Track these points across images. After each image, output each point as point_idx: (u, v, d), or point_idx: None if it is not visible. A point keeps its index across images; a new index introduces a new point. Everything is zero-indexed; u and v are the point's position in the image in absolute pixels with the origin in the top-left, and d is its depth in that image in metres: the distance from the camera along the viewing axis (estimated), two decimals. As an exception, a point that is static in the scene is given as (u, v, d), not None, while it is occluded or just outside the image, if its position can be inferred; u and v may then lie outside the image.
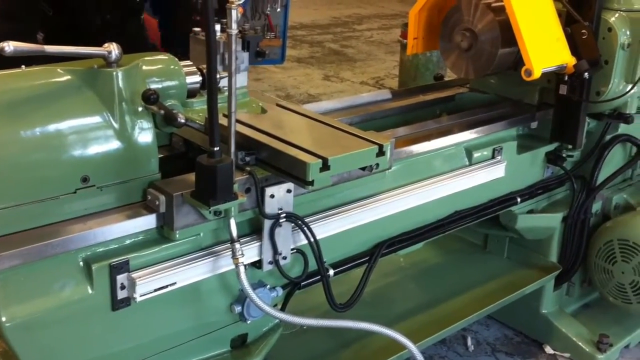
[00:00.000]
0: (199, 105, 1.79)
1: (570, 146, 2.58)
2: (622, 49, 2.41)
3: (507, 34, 2.32)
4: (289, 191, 1.72)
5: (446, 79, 3.06)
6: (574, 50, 2.40)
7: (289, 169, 1.63)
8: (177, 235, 1.58)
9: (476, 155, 2.36)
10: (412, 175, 2.19)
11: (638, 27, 2.40)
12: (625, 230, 2.66)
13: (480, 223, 2.52)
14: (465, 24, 2.48)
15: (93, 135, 1.52)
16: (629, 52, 2.42)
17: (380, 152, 1.73)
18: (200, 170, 1.50)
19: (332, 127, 1.85)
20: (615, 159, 2.74)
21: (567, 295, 2.87)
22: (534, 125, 2.60)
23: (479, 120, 2.49)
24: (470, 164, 2.35)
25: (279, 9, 4.19)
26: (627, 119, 2.56)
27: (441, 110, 2.74)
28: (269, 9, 4.18)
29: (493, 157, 2.40)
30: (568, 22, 2.44)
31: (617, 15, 2.42)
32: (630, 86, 2.47)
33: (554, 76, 2.46)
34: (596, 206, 2.76)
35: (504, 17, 2.32)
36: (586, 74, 2.39)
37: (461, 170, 2.31)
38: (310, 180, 1.58)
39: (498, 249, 2.85)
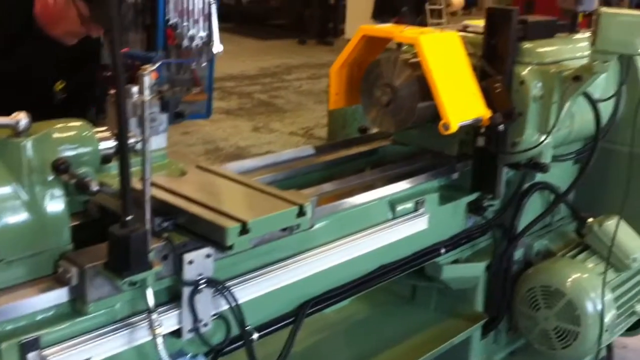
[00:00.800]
0: (116, 169, 1.75)
1: (490, 196, 2.64)
2: (534, 101, 2.50)
3: (425, 88, 2.38)
4: (208, 256, 1.69)
5: (373, 130, 3.10)
6: (489, 104, 2.47)
7: (207, 234, 1.60)
8: (91, 309, 1.52)
9: (399, 208, 2.38)
10: (336, 232, 2.18)
11: (549, 80, 2.49)
12: (546, 276, 2.72)
13: (407, 275, 2.53)
14: (384, 80, 2.53)
15: (0, 208, 1.46)
16: (541, 104, 2.51)
17: (301, 213, 1.72)
18: (113, 240, 1.46)
19: (252, 188, 1.84)
20: (534, 206, 2.81)
21: (495, 343, 2.90)
22: (455, 176, 2.65)
23: (402, 174, 2.52)
24: (394, 218, 2.37)
25: (204, 64, 4.21)
26: (543, 168, 2.64)
27: (365, 164, 2.76)
28: (194, 63, 4.18)
29: (416, 209, 2.43)
30: (483, 76, 2.52)
31: (528, 68, 2.51)
32: (544, 136, 2.55)
33: (472, 128, 2.52)
34: (518, 254, 2.81)
35: (422, 72, 2.38)
36: (501, 126, 2.46)
37: (385, 225, 2.33)
38: (229, 244, 1.55)
39: (426, 299, 2.87)
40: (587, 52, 2.67)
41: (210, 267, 1.70)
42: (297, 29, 13.10)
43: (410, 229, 2.40)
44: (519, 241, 2.77)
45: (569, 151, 2.85)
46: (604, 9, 2.34)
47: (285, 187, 2.28)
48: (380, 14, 11.83)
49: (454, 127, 2.33)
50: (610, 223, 2.80)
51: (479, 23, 2.94)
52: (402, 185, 2.44)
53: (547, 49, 2.59)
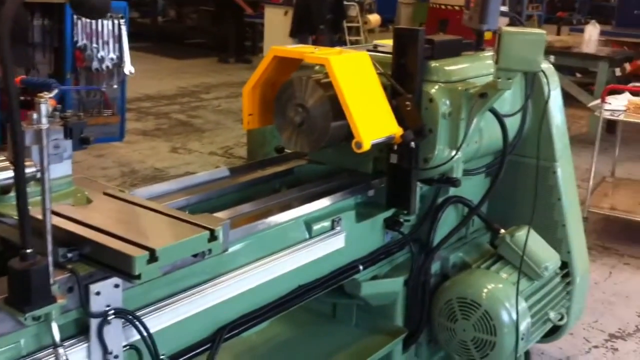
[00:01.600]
0: (16, 200, 1.68)
1: (405, 212, 2.68)
2: (443, 118, 2.56)
3: (337, 108, 2.39)
4: (116, 286, 1.64)
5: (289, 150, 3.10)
6: (401, 121, 2.51)
7: (114, 264, 1.56)
8: (-9, 346, 1.45)
9: (316, 227, 2.38)
10: (253, 254, 2.16)
11: (456, 97, 2.56)
12: (462, 288, 2.77)
13: (327, 293, 2.53)
14: (297, 100, 2.53)
15: None
16: (450, 121, 2.57)
17: (212, 237, 1.69)
18: (13, 274, 1.40)
19: (161, 213, 1.80)
20: (449, 220, 2.87)
21: (416, 357, 2.93)
22: (370, 193, 2.68)
23: (318, 193, 2.53)
24: (311, 237, 2.37)
25: (115, 85, 4.11)
26: (455, 183, 2.70)
27: (281, 185, 2.76)
28: (104, 85, 4.08)
29: (332, 228, 2.44)
30: (393, 95, 2.56)
31: (437, 86, 2.57)
32: (454, 152, 2.61)
33: (385, 146, 2.56)
34: (435, 267, 2.86)
35: (334, 92, 2.40)
36: (412, 143, 2.50)
37: (302, 244, 2.32)
38: (136, 274, 1.51)
39: (347, 317, 2.87)
40: (492, 70, 2.76)
41: (119, 298, 1.65)
42: (217, 47, 13.03)
43: (327, 248, 2.40)
44: (435, 254, 2.82)
45: (479, 165, 2.93)
46: (506, 28, 2.42)
47: (199, 211, 2.25)
48: (299, 31, 11.90)
49: (366, 146, 2.36)
50: (521, 233, 2.88)
51: (388, 42, 3.00)
52: (318, 205, 2.45)
53: (454, 67, 2.66)
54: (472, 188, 2.92)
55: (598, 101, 5.14)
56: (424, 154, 2.59)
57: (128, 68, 4.79)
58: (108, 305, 1.62)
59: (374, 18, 15.05)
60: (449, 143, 2.60)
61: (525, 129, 3.02)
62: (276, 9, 11.90)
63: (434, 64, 2.60)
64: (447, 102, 2.57)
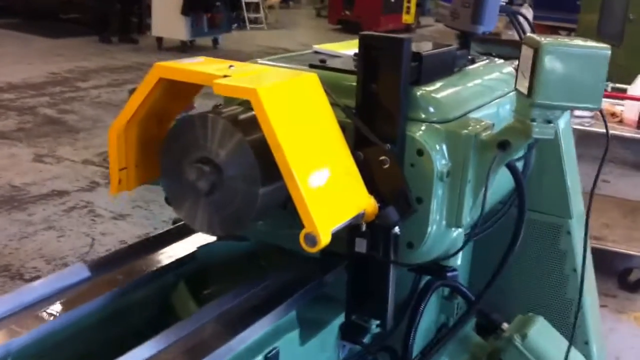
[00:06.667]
0: None
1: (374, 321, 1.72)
2: (440, 180, 1.58)
3: (269, 159, 1.38)
4: None
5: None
6: (371, 187, 1.54)
7: None
8: None
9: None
10: None
11: (461, 147, 1.59)
12: None
13: None
14: (200, 152, 1.50)
15: None
16: (450, 184, 1.61)
17: None
18: None
19: None
20: (431, 314, 1.93)
21: None
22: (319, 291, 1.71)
23: (238, 310, 1.52)
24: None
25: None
26: (450, 270, 1.76)
27: (175, 288, 1.73)
28: None
29: (266, 372, 1.45)
30: (359, 143, 1.57)
31: (428, 129, 1.59)
32: (455, 231, 1.66)
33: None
34: (413, 389, 1.91)
35: (261, 134, 1.39)
36: (396, 228, 1.53)
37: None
38: None
39: None
40: (507, 90, 1.85)
41: None
42: (98, 24, 11.50)
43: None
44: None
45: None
46: (545, 41, 1.46)
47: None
48: (192, 8, 10.64)
49: (324, 240, 1.36)
50: (534, 331, 1.98)
51: (335, 48, 2.00)
52: (243, 337, 1.44)
53: (452, 96, 1.69)
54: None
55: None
56: (408, 236, 1.62)
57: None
58: None
59: (274, -6, 13.97)
60: (447, 217, 1.63)
61: (529, 172, 2.11)
62: (166, -19, 10.58)
63: (421, 91, 1.63)
64: (446, 154, 1.60)
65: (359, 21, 14.37)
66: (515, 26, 2.06)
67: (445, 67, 1.77)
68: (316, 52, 2.00)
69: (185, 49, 11.11)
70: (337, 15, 15.19)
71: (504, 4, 2.06)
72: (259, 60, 1.86)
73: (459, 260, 1.75)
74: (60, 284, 1.57)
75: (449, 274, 1.74)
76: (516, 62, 2.23)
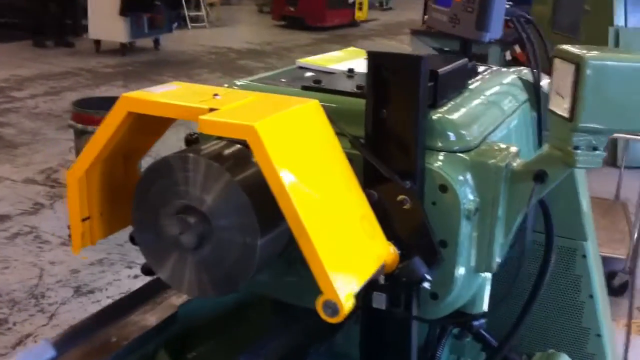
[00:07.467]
0: None
1: (391, 381, 1.48)
2: (467, 219, 1.35)
3: (265, 202, 1.14)
4: None
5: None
6: (388, 230, 1.30)
7: None
8: None
9: None
10: None
11: (489, 179, 1.36)
12: None
13: None
14: (182, 200, 1.23)
15: None
16: (479, 223, 1.38)
17: None
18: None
19: None
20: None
21: None
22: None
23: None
24: None
25: None
26: (476, 317, 1.53)
27: (156, 352, 1.45)
28: None
29: None
30: (371, 180, 1.33)
31: (451, 161, 1.36)
32: (482, 276, 1.43)
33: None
34: None
35: (256, 173, 1.15)
36: (426, 283, 1.29)
37: None
38: None
39: None
40: (515, 105, 1.65)
41: None
42: (31, 27, 10.91)
43: None
44: None
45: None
46: (590, 54, 1.24)
47: None
48: (130, 9, 10.18)
49: (347, 308, 1.12)
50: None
51: (327, 63, 1.76)
52: None
53: (470, 117, 1.46)
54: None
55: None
56: (431, 286, 1.38)
57: None
58: None
59: (216, -9, 13.62)
60: (476, 261, 1.40)
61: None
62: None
63: (438, 115, 1.39)
64: (474, 188, 1.37)
65: (304, 17, 14.14)
66: (520, 32, 1.84)
67: (457, 84, 1.54)
68: (301, 68, 1.75)
69: (125, 51, 10.65)
70: (280, 11, 14.90)
71: (509, 6, 1.83)
72: (237, 82, 1.60)
73: (485, 306, 1.52)
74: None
75: (475, 324, 1.50)
76: (512, 69, 2.05)
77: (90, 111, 4.56)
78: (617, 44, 5.91)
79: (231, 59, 11.21)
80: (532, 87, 1.85)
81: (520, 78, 1.90)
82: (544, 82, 1.85)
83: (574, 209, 1.93)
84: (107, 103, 4.96)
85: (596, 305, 2.01)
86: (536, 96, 1.83)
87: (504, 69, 1.96)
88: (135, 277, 3.97)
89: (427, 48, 6.61)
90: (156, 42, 11.42)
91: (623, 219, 4.45)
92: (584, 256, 1.97)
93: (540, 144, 1.86)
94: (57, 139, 6.02)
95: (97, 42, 10.68)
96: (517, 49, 6.51)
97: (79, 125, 4.60)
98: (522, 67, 2.06)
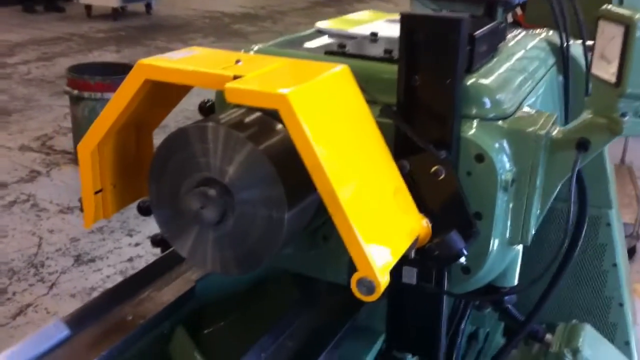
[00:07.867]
0: None
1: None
2: (503, 190, 1.28)
3: (290, 172, 1.09)
4: None
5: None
6: (420, 202, 1.23)
7: None
8: None
9: None
10: None
11: (527, 148, 1.29)
12: None
13: None
14: (202, 172, 1.16)
15: None
16: (515, 194, 1.31)
17: None
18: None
19: None
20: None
21: None
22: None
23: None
24: None
25: None
26: (511, 293, 1.48)
27: (173, 330, 1.39)
28: None
29: None
30: (401, 149, 1.26)
31: (487, 129, 1.28)
32: (515, 248, 1.38)
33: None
34: None
35: (280, 142, 1.08)
36: (462, 258, 1.22)
37: None
38: None
39: None
40: (544, 69, 1.58)
41: None
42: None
43: None
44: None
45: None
46: (638, 14, 1.17)
47: None
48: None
49: (383, 284, 1.06)
50: (585, 344, 1.72)
51: (347, 26, 1.68)
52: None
53: (505, 82, 1.38)
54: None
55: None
56: (464, 260, 1.32)
57: None
58: None
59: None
60: (511, 234, 1.34)
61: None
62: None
63: (472, 80, 1.31)
64: (511, 158, 1.29)
65: (297, -21, 13.86)
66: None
67: (490, 48, 1.46)
68: (320, 32, 1.66)
69: (117, 16, 10.44)
70: (273, -26, 14.61)
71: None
72: (255, 47, 1.51)
73: (515, 279, 1.47)
74: (36, 350, 1.23)
75: (507, 299, 1.45)
76: (537, 30, 1.96)
77: (86, 77, 4.44)
78: (621, 3, 5.80)
79: (225, 23, 11.02)
80: (560, 50, 1.77)
81: (546, 40, 1.82)
82: (573, 44, 1.77)
83: (600, 177, 1.87)
84: (103, 68, 4.85)
85: (619, 274, 1.96)
86: (564, 60, 1.75)
87: (530, 31, 1.87)
88: (136, 245, 3.91)
89: (427, 11, 6.45)
90: (148, 6, 11.21)
91: (629, 183, 4.40)
92: (608, 224, 1.91)
93: (567, 109, 1.79)
94: (51, 105, 5.90)
95: (88, 7, 10.46)
96: (519, 11, 6.38)
97: (75, 92, 4.49)
98: (544, 29, 1.97)
